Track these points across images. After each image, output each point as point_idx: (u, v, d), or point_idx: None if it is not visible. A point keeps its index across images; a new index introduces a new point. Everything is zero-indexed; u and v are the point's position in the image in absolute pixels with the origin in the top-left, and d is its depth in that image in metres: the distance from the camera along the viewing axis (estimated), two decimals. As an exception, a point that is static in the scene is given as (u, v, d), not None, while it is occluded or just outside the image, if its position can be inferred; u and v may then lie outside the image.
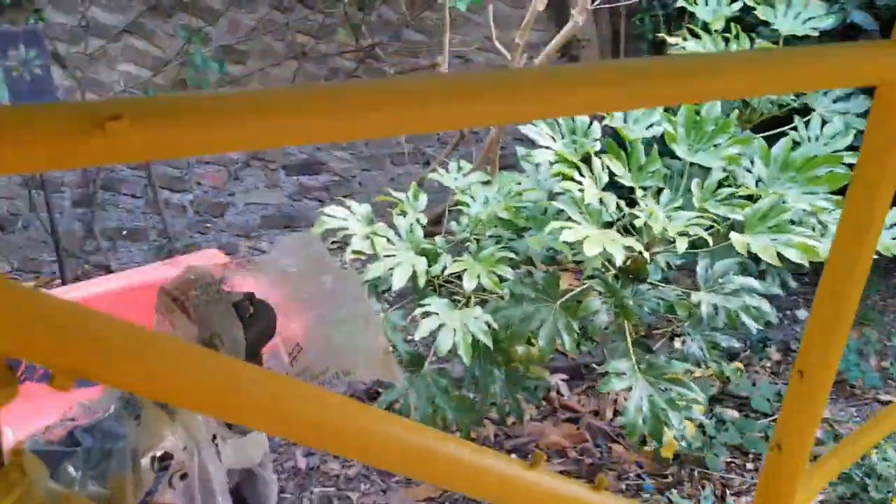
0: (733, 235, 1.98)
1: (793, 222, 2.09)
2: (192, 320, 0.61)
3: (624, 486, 2.64)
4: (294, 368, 0.69)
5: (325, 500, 2.56)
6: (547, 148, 2.19)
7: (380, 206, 2.88)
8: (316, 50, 3.93)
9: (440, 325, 2.06)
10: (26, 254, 3.86)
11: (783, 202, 2.01)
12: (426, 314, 2.08)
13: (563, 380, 3.20)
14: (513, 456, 2.82)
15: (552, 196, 2.32)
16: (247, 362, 0.54)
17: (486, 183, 2.54)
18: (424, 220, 2.42)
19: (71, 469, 0.48)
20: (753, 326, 2.19)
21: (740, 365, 3.19)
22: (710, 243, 2.03)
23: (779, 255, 1.95)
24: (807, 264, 1.98)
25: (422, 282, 2.13)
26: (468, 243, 2.41)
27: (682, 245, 1.90)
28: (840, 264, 0.67)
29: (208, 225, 4.06)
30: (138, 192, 3.95)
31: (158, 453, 0.55)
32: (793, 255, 1.91)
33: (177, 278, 0.64)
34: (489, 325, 2.14)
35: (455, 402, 2.32)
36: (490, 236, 2.42)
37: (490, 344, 2.03)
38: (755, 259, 2.11)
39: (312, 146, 4.09)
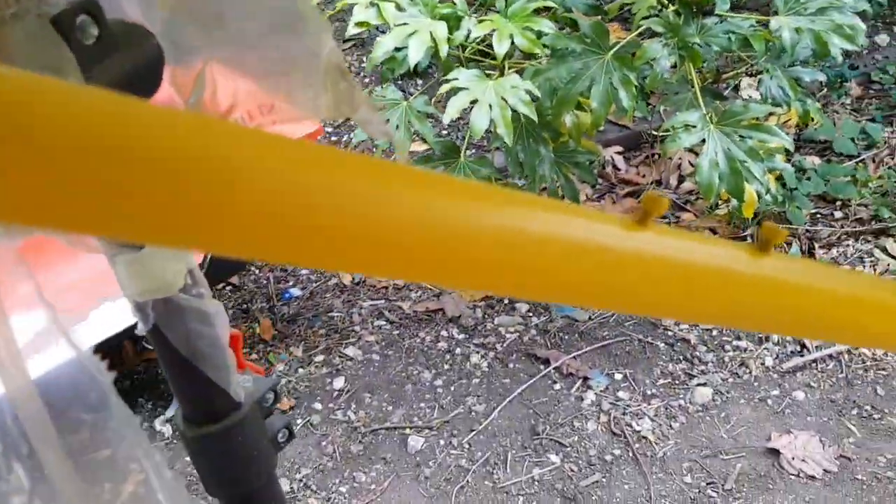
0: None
1: None
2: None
3: (698, 256, 2.40)
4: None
5: (375, 313, 2.39)
6: None
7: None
8: None
9: (473, 102, 1.74)
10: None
11: None
12: (454, 91, 1.75)
13: (617, 153, 2.89)
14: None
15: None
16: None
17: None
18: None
19: None
20: (842, 49, 1.81)
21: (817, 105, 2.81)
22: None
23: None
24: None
25: (444, 51, 1.78)
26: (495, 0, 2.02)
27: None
28: None
29: None
30: None
31: None
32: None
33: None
34: (530, 94, 1.81)
35: (501, 189, 2.04)
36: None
37: (534, 117, 1.71)
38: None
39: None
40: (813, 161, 2.60)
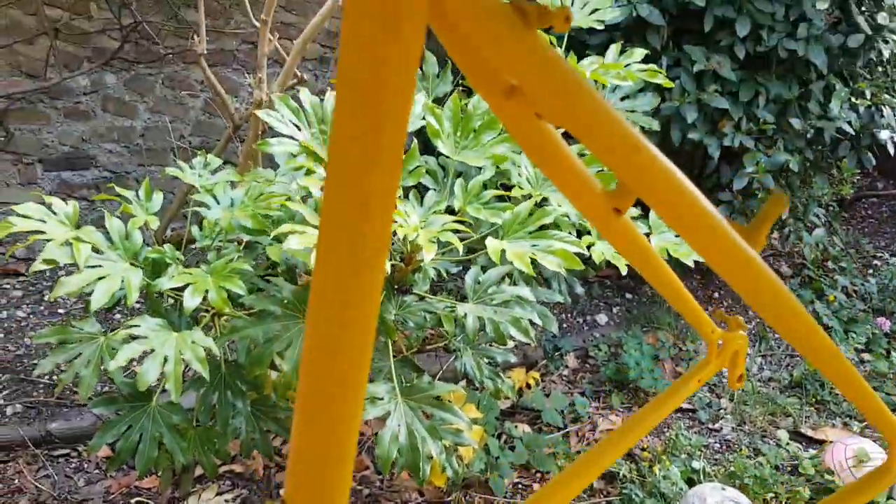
0: (489, 241, 1.75)
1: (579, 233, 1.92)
2: None
3: (401, 519, 2.38)
4: None
5: None
6: (290, 138, 1.88)
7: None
8: (72, 27, 3.42)
9: (147, 352, 1.70)
10: None
11: (544, 204, 1.81)
12: (131, 338, 1.71)
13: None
14: None
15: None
16: None
17: (237, 182, 2.20)
18: (156, 224, 2.04)
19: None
20: (524, 339, 1.98)
21: (536, 375, 3.03)
22: (461, 251, 1.79)
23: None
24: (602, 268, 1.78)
25: (133, 298, 1.75)
26: (209, 252, 2.06)
27: (430, 253, 1.64)
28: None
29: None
30: None
31: None
32: (551, 264, 1.70)
33: None
34: (226, 350, 1.81)
35: (191, 439, 1.97)
36: (235, 242, 2.08)
37: (205, 374, 1.69)
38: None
39: (78, 137, 3.57)
40: (524, 429, 2.74)
